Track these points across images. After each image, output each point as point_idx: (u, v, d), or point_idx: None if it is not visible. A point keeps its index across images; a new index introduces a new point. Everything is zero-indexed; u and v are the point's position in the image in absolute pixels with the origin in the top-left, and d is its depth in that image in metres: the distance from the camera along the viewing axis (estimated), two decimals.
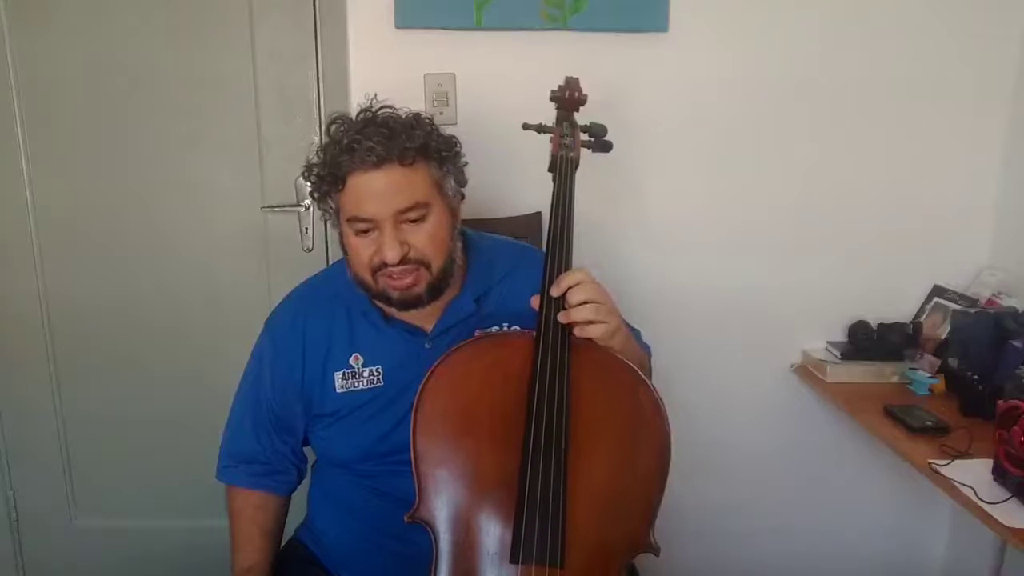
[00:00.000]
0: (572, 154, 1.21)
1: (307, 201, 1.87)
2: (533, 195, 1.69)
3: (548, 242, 1.16)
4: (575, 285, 1.09)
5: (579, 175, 1.65)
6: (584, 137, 1.26)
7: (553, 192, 1.20)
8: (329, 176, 1.13)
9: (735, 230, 1.88)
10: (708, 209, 1.87)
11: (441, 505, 1.09)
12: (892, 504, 2.04)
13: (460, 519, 1.08)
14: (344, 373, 1.24)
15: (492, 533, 1.06)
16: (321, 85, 1.81)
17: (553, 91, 1.26)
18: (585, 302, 1.08)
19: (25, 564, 2.09)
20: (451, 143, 1.19)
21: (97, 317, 1.93)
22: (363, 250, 1.14)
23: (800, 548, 2.07)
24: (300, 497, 1.40)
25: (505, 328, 1.25)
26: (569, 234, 1.16)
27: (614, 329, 1.10)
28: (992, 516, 1.21)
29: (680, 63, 1.78)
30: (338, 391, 1.24)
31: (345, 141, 1.10)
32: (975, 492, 1.26)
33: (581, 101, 1.27)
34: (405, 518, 1.08)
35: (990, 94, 1.84)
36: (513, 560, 1.03)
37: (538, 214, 1.76)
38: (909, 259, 1.91)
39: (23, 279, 1.91)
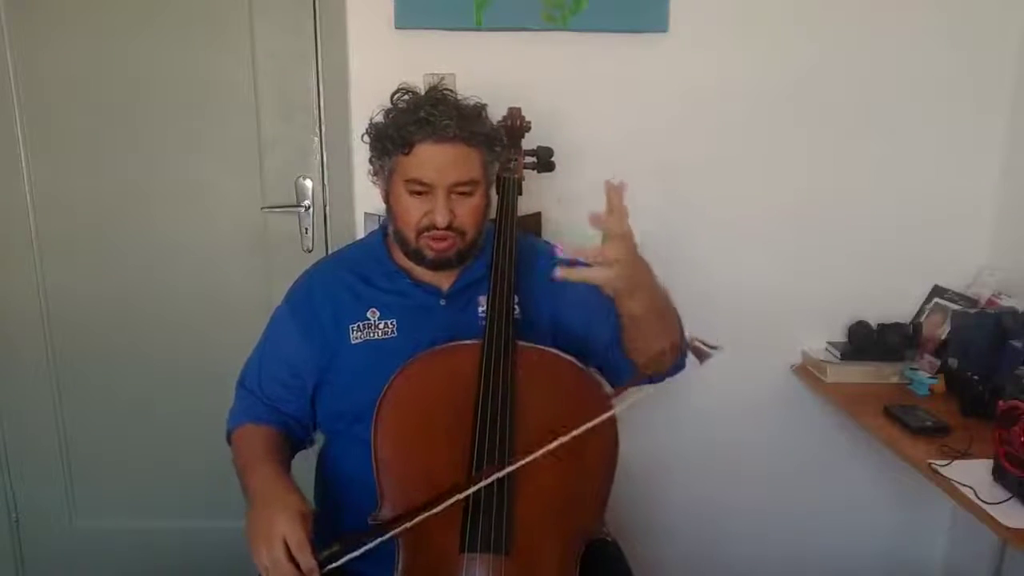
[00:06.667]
0: (516, 176, 1.34)
1: (307, 201, 1.87)
2: (533, 195, 1.69)
3: (493, 251, 1.27)
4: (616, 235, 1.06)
5: (581, 175, 1.68)
6: (529, 159, 1.39)
7: (498, 207, 1.33)
8: (399, 138, 1.22)
9: (734, 230, 1.88)
10: (707, 209, 1.87)
11: (402, 508, 1.15)
12: (892, 504, 2.04)
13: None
14: (359, 325, 1.30)
15: (446, 528, 1.13)
16: (321, 85, 1.81)
17: (498, 121, 1.38)
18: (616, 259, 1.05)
19: (25, 564, 2.09)
20: (502, 138, 1.32)
21: (97, 318, 1.93)
22: (414, 209, 1.24)
23: (800, 548, 2.07)
24: None
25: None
26: (512, 244, 1.28)
27: (615, 278, 1.06)
28: (992, 516, 1.21)
29: (680, 63, 1.78)
30: (353, 343, 1.30)
31: (422, 114, 1.20)
32: (975, 492, 1.26)
33: (525, 129, 1.40)
34: (369, 520, 1.16)
35: (990, 94, 1.84)
36: (462, 550, 1.13)
37: (538, 215, 1.76)
38: (909, 259, 1.91)
39: (23, 280, 1.91)
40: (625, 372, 1.31)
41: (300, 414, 1.35)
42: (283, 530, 1.06)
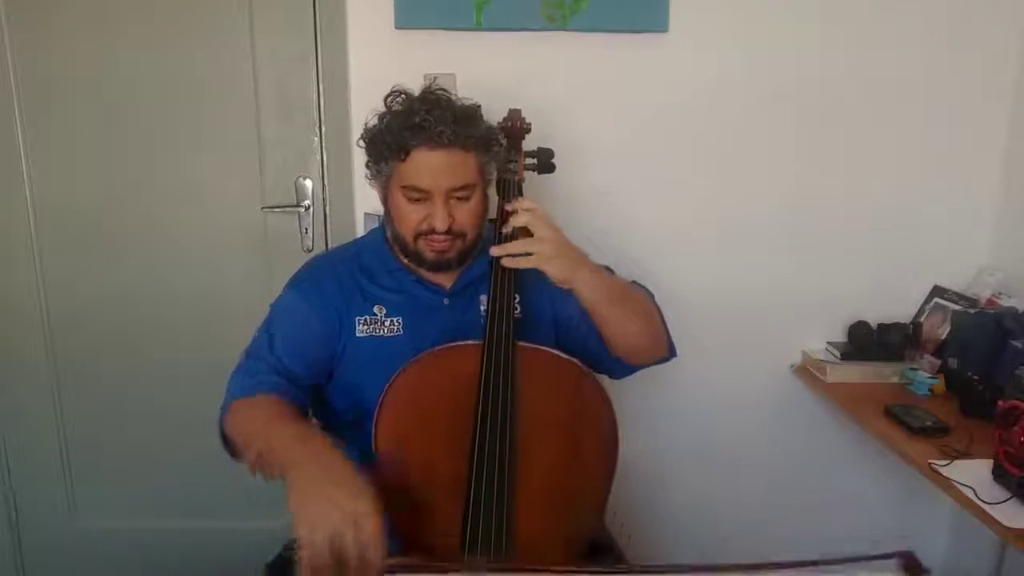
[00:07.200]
0: (516, 177, 1.34)
1: (307, 201, 1.87)
2: (533, 196, 1.69)
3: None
4: (514, 214, 1.21)
5: (583, 175, 1.65)
6: (529, 161, 1.39)
7: (498, 209, 1.32)
8: (395, 145, 1.22)
9: (735, 230, 1.88)
10: (708, 209, 1.87)
11: (402, 507, 1.14)
12: (892, 504, 2.04)
13: (419, 518, 1.16)
14: (366, 319, 1.31)
15: (447, 530, 1.14)
16: (321, 85, 1.81)
17: (499, 123, 1.37)
18: (523, 236, 1.19)
19: (25, 564, 2.09)
20: (498, 138, 1.31)
21: (97, 317, 1.93)
22: (412, 215, 1.24)
23: (800, 547, 2.06)
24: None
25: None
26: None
27: (546, 257, 1.18)
28: (992, 516, 1.21)
29: (680, 63, 1.78)
30: (358, 335, 1.30)
31: (417, 119, 1.20)
32: (975, 492, 1.26)
33: (525, 130, 1.39)
34: None
35: (990, 94, 1.84)
36: (462, 550, 1.13)
37: None
38: (909, 259, 1.91)
39: (23, 280, 1.91)
40: (614, 367, 1.34)
41: (313, 380, 1.29)
42: (365, 510, 0.92)
